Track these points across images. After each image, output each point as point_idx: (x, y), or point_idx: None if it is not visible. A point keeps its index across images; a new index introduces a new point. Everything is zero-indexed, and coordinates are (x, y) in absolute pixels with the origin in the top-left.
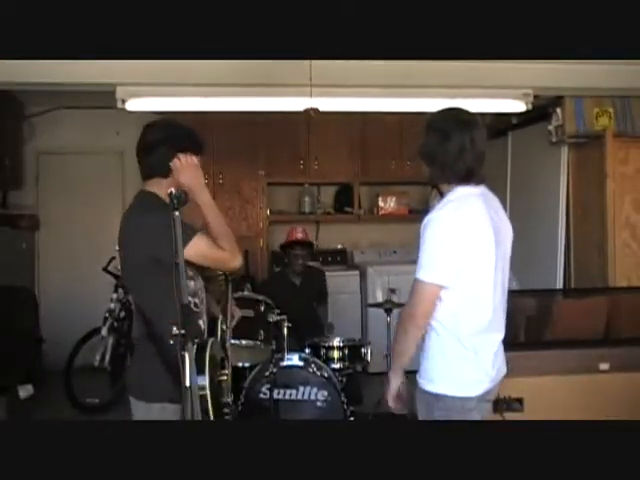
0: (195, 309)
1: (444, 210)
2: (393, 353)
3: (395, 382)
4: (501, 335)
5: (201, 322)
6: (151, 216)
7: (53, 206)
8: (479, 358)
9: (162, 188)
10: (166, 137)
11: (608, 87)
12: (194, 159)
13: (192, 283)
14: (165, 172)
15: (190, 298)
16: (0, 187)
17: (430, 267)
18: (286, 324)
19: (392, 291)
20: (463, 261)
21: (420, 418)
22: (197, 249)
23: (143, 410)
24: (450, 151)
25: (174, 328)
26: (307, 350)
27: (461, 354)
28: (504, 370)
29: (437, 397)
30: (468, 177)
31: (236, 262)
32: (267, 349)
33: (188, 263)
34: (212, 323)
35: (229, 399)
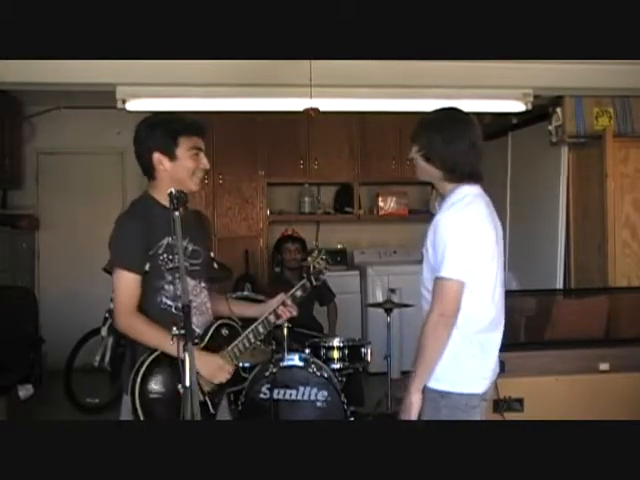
0: (178, 312)
1: (455, 209)
2: (419, 365)
3: (418, 397)
4: (501, 333)
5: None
6: (121, 221)
7: (53, 206)
8: (485, 355)
9: (153, 190)
10: (138, 139)
11: (608, 87)
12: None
13: (172, 287)
14: (148, 174)
15: (170, 302)
16: (0, 187)
17: (452, 264)
18: (286, 324)
19: (392, 291)
20: (473, 259)
21: (425, 417)
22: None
23: (123, 401)
24: (459, 151)
25: (174, 328)
26: (307, 350)
27: (468, 351)
28: (497, 369)
29: (443, 395)
30: (473, 176)
31: (116, 323)
32: (267, 349)
33: (173, 268)
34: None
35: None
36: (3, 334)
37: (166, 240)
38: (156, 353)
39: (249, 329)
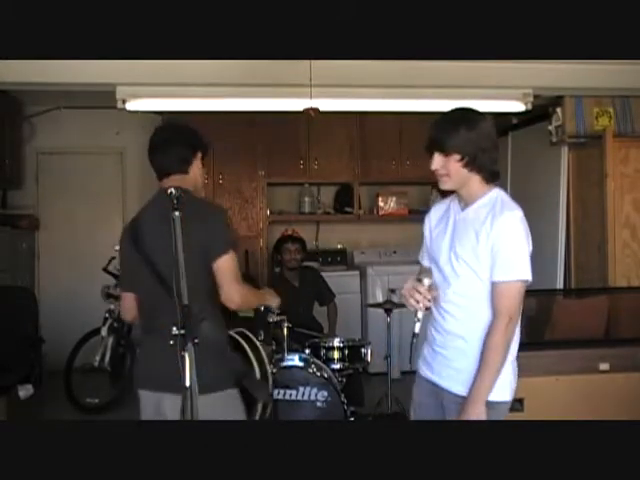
0: None
1: (517, 209)
2: (489, 375)
3: (484, 408)
4: None
5: None
6: (209, 214)
7: (53, 206)
8: (514, 357)
9: (185, 184)
10: (181, 136)
11: (608, 87)
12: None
13: None
14: (185, 169)
15: None
16: (0, 187)
17: (525, 265)
18: (286, 324)
19: (392, 291)
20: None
21: None
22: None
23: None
24: (495, 149)
25: (174, 328)
26: (307, 350)
27: (514, 356)
28: None
29: (493, 405)
30: (498, 175)
31: (232, 302)
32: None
33: None
34: None
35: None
36: (3, 334)
37: None
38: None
39: None
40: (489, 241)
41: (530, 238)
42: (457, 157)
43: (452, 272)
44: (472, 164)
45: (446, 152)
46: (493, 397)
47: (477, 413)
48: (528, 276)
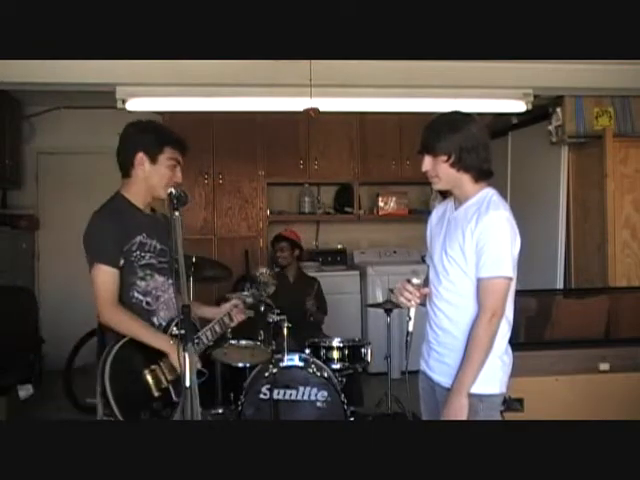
0: (147, 307)
1: (504, 209)
2: (472, 368)
3: (467, 400)
4: None
5: (155, 320)
6: (95, 219)
7: (53, 206)
8: (509, 350)
9: (125, 189)
10: (126, 136)
11: (608, 87)
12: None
13: (144, 283)
14: (125, 171)
15: (142, 297)
16: (0, 187)
17: (507, 262)
18: (286, 324)
19: (392, 291)
20: (515, 256)
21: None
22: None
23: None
24: (482, 149)
25: (174, 328)
26: (307, 350)
27: (507, 349)
28: None
29: (482, 398)
30: (491, 174)
31: (100, 315)
32: (267, 349)
33: (145, 265)
34: None
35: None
36: (3, 334)
37: (138, 238)
38: (124, 340)
39: (206, 327)
40: (474, 239)
41: (518, 238)
42: (444, 158)
43: (443, 270)
44: (459, 164)
45: (434, 154)
46: (481, 390)
47: (460, 404)
48: (508, 272)
